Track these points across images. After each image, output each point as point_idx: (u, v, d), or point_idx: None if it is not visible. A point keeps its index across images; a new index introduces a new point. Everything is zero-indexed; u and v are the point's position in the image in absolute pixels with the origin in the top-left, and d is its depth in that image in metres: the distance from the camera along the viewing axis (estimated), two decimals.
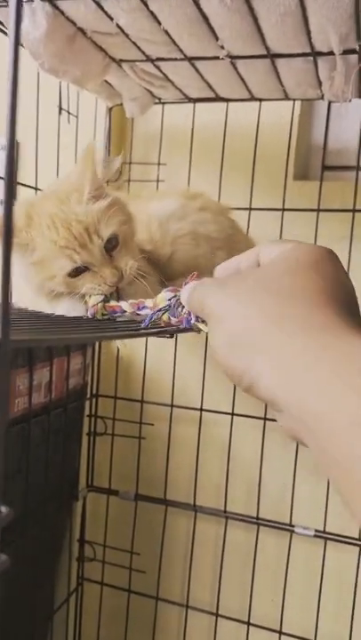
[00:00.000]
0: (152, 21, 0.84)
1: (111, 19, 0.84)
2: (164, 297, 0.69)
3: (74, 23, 0.88)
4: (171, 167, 1.28)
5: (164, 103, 1.24)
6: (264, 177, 1.22)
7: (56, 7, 0.84)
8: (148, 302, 0.72)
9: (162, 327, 0.68)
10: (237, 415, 1.24)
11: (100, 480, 1.38)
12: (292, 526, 1.22)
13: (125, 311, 0.74)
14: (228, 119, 1.21)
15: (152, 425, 1.32)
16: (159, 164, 1.27)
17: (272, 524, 1.23)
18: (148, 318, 0.68)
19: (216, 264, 0.98)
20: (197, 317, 0.64)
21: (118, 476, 1.36)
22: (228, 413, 1.25)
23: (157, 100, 1.23)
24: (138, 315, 0.74)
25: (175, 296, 0.68)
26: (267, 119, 1.20)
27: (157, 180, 1.28)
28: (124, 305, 0.75)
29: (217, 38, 0.88)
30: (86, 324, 0.73)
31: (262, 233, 1.21)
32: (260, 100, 1.15)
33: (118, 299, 0.77)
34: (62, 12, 0.85)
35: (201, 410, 1.27)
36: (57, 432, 1.18)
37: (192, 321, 0.64)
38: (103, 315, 0.75)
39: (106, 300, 0.76)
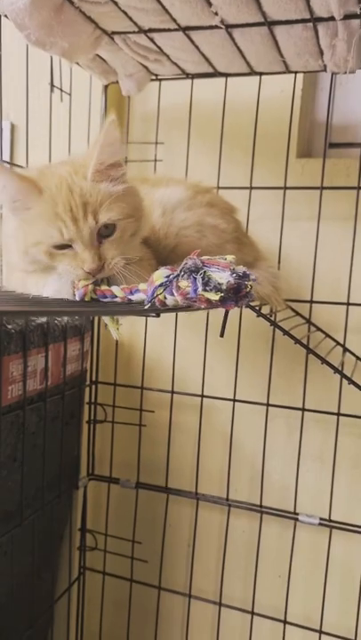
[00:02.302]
0: None
1: None
2: (161, 274, 0.66)
3: None
4: (169, 146, 1.24)
5: (161, 80, 1.19)
6: (265, 155, 1.18)
7: None
8: (142, 286, 0.69)
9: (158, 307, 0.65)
10: (239, 401, 1.21)
11: (100, 468, 1.35)
12: (297, 514, 1.19)
13: (116, 296, 0.71)
14: (227, 95, 1.16)
15: (153, 412, 1.29)
16: (157, 143, 1.23)
17: (276, 513, 1.20)
18: (151, 293, 0.65)
19: None
20: (205, 286, 0.60)
21: (119, 464, 1.34)
22: (230, 399, 1.22)
23: (154, 77, 1.19)
24: (130, 300, 0.71)
25: (173, 274, 0.65)
26: (268, 94, 1.15)
27: (155, 160, 1.24)
28: (115, 289, 0.71)
29: (210, 4, 0.83)
30: (74, 304, 0.70)
31: (264, 213, 1.17)
32: (261, 73, 1.11)
33: (109, 284, 0.74)
34: None
35: (202, 396, 1.24)
36: (54, 419, 1.15)
37: (199, 290, 0.60)
38: (92, 298, 0.72)
39: (96, 283, 0.73)
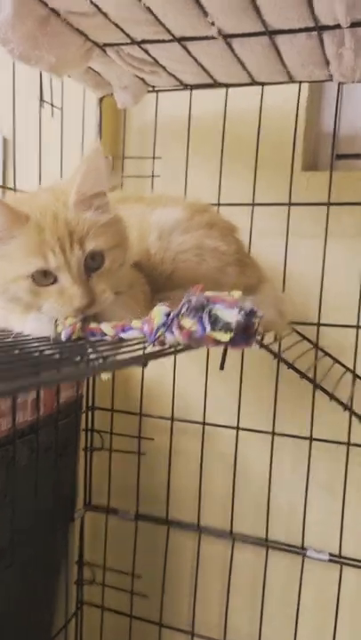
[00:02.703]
0: None
1: None
2: (160, 311, 0.60)
3: (45, 3, 0.79)
4: (167, 161, 1.18)
5: (158, 91, 1.14)
6: (269, 168, 1.11)
7: None
8: (136, 323, 0.63)
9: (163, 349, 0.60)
10: (243, 429, 1.15)
11: (98, 498, 1.29)
12: (305, 549, 1.12)
13: (106, 334, 0.65)
14: (228, 106, 1.10)
15: (152, 439, 1.23)
16: (154, 157, 1.17)
17: (282, 547, 1.14)
18: (153, 335, 0.60)
19: (228, 282, 0.90)
20: (213, 326, 0.55)
21: (117, 494, 1.28)
22: (233, 427, 1.15)
23: (151, 89, 1.13)
24: (120, 338, 0.65)
25: (173, 311, 0.60)
26: (271, 105, 1.09)
27: (152, 176, 1.18)
28: (105, 327, 0.65)
29: (206, 14, 0.77)
30: (59, 345, 0.64)
31: (267, 230, 1.11)
32: (263, 84, 1.05)
33: (97, 320, 0.69)
34: None
35: (204, 424, 1.18)
36: (47, 450, 1.10)
37: (207, 330, 0.55)
38: (80, 337, 0.67)
39: (85, 321, 0.67)
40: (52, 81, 1.06)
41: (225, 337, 0.56)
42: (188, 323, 0.58)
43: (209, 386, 1.16)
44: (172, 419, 1.20)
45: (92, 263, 0.67)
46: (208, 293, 0.60)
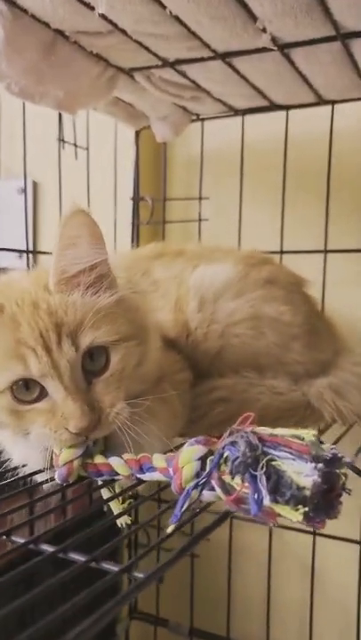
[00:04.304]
0: (151, 3, 0.55)
1: (90, 7, 0.56)
2: (190, 455, 0.41)
3: (47, 25, 0.62)
4: (216, 201, 0.99)
5: (203, 120, 0.96)
6: (344, 206, 0.91)
7: (14, 4, 0.58)
8: (158, 461, 0.44)
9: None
10: (322, 536, 0.91)
11: (145, 604, 1.08)
12: None
13: (118, 473, 0.46)
14: (289, 132, 0.91)
15: (207, 540, 1.01)
16: (201, 198, 0.98)
17: None
18: (179, 506, 0.41)
19: (291, 360, 0.68)
20: (275, 494, 0.35)
21: (168, 602, 1.06)
22: (310, 532, 0.92)
23: (195, 117, 0.95)
24: (138, 480, 0.47)
25: (212, 453, 0.41)
26: (343, 128, 0.89)
27: (199, 219, 0.98)
28: (116, 463, 0.47)
29: (255, 19, 0.57)
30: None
31: (344, 281, 0.89)
32: (333, 102, 0.87)
33: (105, 451, 0.49)
34: (25, 11, 0.59)
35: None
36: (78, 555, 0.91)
37: (265, 501, 0.35)
38: (81, 477, 0.47)
39: (87, 452, 0.47)
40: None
41: (295, 515, 0.36)
42: (235, 481, 0.38)
43: None
44: (231, 514, 0.97)
45: (93, 365, 0.48)
46: (261, 431, 0.40)
